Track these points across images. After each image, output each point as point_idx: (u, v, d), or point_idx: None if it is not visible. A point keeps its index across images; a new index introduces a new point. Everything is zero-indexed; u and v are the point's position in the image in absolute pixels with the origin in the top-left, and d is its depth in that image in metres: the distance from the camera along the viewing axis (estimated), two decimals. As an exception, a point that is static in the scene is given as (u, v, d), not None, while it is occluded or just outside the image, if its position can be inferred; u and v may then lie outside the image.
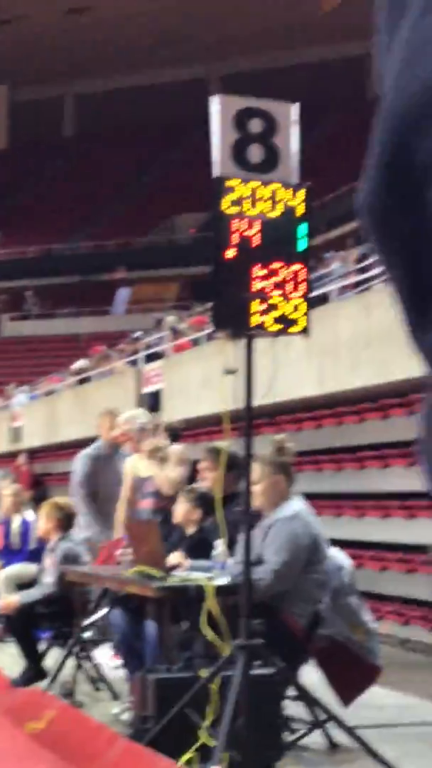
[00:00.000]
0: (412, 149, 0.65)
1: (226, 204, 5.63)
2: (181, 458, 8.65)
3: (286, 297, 5.65)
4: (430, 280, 0.66)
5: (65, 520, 8.50)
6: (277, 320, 5.67)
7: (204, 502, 7.32)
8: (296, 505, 6.58)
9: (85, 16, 45.15)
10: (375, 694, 6.95)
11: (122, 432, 9.49)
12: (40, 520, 8.77)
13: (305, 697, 6.03)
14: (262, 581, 6.17)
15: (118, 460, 10.03)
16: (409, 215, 0.66)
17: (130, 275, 41.79)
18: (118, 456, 10.03)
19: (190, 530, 7.45)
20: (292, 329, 5.73)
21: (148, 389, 20.09)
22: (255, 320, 5.65)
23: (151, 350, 21.02)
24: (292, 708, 6.28)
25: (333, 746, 6.26)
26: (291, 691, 6.16)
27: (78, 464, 10.31)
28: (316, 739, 6.28)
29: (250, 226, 5.65)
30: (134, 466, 8.90)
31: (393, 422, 11.44)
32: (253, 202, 5.64)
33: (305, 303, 5.72)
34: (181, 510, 7.49)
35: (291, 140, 5.79)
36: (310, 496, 7.28)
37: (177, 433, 11.18)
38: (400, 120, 0.66)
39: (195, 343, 18.92)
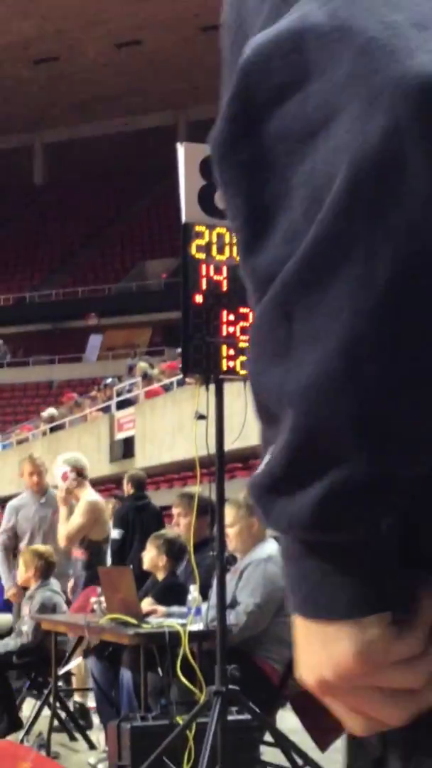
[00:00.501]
0: (256, 87, 0.77)
1: (194, 249, 5.66)
2: (87, 509, 8.47)
3: (255, 341, 5.67)
4: (265, 205, 0.76)
5: (44, 568, 8.42)
6: (247, 364, 5.67)
7: (172, 547, 7.28)
8: (270, 547, 6.57)
9: (53, 66, 45.49)
10: (352, 738, 6.91)
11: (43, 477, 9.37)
12: (20, 568, 8.70)
13: (282, 742, 5.99)
14: (236, 625, 6.15)
15: (41, 506, 9.72)
16: (248, 146, 0.77)
17: (102, 322, 41.85)
18: (44, 501, 9.72)
19: (160, 576, 7.41)
20: (262, 373, 5.73)
21: (121, 435, 20.07)
22: (225, 365, 5.66)
23: (124, 396, 21.02)
24: (269, 754, 6.24)
25: (311, 791, 6.22)
26: (267, 737, 6.12)
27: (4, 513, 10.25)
28: (294, 784, 6.24)
29: (219, 271, 5.68)
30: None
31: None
32: (221, 247, 5.67)
33: (274, 347, 5.74)
34: (149, 556, 7.45)
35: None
36: (283, 540, 7.26)
37: (142, 481, 11.09)
38: (250, 63, 0.78)
39: (167, 388, 18.94)
